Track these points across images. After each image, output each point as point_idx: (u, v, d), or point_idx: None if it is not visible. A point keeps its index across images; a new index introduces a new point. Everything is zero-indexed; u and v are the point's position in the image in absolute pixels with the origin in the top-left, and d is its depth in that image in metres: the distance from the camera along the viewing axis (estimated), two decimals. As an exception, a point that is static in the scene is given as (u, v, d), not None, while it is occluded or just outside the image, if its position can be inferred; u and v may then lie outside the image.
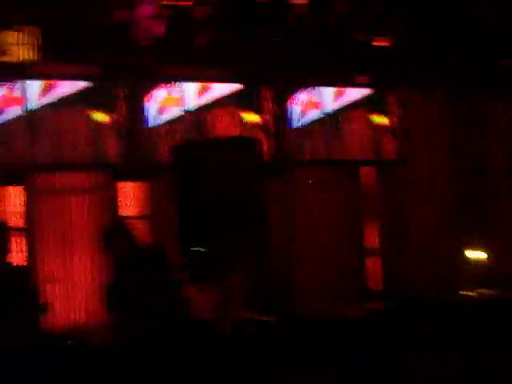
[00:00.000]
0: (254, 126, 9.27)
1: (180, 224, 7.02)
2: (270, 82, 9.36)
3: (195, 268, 7.02)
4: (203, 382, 6.16)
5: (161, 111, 8.96)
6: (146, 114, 8.86)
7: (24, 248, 8.42)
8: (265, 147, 8.91)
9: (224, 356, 6.43)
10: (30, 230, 8.44)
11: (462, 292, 9.61)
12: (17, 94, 8.45)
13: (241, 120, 9.22)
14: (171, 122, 8.97)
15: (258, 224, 6.65)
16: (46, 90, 8.55)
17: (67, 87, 8.61)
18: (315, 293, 9.38)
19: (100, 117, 8.70)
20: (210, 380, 6.22)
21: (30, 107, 8.49)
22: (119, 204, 8.72)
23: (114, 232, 5.93)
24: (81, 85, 8.66)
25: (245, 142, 7.11)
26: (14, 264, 7.12)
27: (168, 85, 8.99)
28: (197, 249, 6.96)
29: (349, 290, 9.52)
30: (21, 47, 8.52)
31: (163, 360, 6.07)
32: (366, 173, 9.97)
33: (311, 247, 9.55)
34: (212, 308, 6.85)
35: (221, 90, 9.18)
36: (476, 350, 7.32)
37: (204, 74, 9.14)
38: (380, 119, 10.03)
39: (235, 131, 9.07)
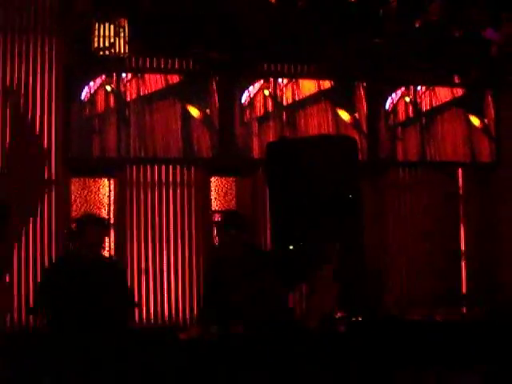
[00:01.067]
0: (348, 124, 9.15)
1: (271, 222, 6.91)
2: (364, 80, 9.20)
3: (287, 266, 6.92)
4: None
5: (255, 107, 8.91)
6: (239, 109, 8.82)
7: (113, 240, 8.49)
8: (359, 146, 8.76)
9: (309, 350, 6.31)
10: (120, 223, 8.49)
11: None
12: (111, 87, 8.50)
13: (334, 118, 9.11)
14: (265, 119, 8.91)
15: (352, 224, 6.49)
16: (140, 84, 8.58)
17: (161, 81, 8.63)
18: (406, 294, 9.24)
19: (193, 111, 8.69)
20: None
21: (123, 101, 8.53)
22: (211, 198, 8.73)
23: (229, 222, 5.91)
24: (174, 78, 8.67)
25: (341, 141, 6.96)
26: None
27: (262, 81, 8.93)
28: (289, 247, 6.84)
29: (441, 292, 9.32)
30: (116, 41, 8.55)
31: (248, 354, 6.00)
32: (460, 174, 9.74)
33: (404, 249, 9.40)
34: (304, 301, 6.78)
35: (315, 86, 9.08)
36: None
37: (299, 71, 9.06)
38: (476, 120, 9.77)
39: (328, 129, 8.96)
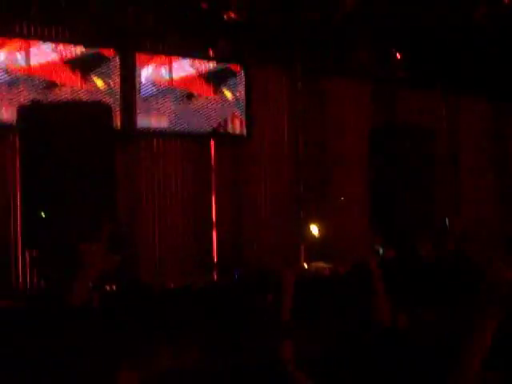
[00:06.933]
0: (102, 91, 9.05)
1: (23, 188, 6.72)
2: (121, 47, 9.14)
3: (41, 233, 6.76)
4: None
5: (7, 69, 8.51)
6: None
7: None
8: (113, 115, 8.69)
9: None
10: None
11: (304, 265, 9.92)
12: None
13: (90, 84, 8.97)
14: (16, 82, 8.55)
15: (106, 193, 6.48)
16: None
17: None
18: (163, 263, 9.39)
19: None
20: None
21: None
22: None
23: None
24: None
25: (95, 108, 6.92)
26: None
27: (17, 41, 8.55)
28: (41, 214, 6.68)
29: (194, 261, 9.58)
30: None
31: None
32: (213, 146, 10.02)
33: (158, 218, 9.52)
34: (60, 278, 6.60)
35: (72, 51, 8.86)
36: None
37: (53, 34, 8.80)
38: (228, 93, 10.07)
39: (84, 95, 8.81)
